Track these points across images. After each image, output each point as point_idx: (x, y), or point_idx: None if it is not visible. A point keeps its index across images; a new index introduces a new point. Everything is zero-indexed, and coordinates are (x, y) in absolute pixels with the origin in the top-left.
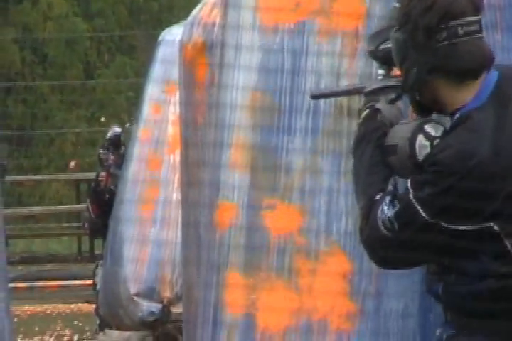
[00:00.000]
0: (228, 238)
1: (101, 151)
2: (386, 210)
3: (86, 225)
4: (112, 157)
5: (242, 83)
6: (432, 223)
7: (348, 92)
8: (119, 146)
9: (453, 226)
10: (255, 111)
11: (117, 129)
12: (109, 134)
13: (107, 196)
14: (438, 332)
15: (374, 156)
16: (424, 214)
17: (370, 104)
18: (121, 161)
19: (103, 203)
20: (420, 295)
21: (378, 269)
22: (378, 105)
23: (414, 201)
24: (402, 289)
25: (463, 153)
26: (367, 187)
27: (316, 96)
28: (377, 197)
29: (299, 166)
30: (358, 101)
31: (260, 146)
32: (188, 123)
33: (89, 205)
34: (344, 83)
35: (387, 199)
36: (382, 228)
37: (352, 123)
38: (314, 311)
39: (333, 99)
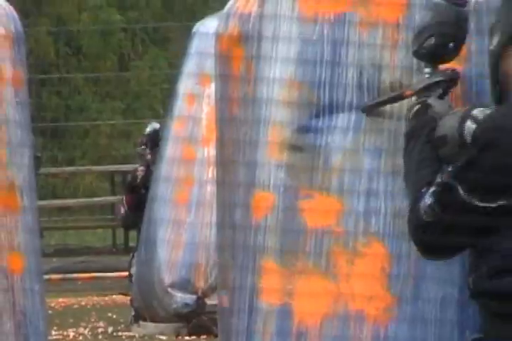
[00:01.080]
0: (264, 227)
1: (139, 147)
2: (427, 198)
3: (120, 218)
4: (149, 153)
5: (279, 76)
6: (468, 202)
7: (394, 99)
8: (157, 142)
9: (487, 204)
10: (293, 106)
11: (156, 125)
12: (147, 130)
13: (143, 191)
14: (467, 333)
15: (423, 152)
16: (461, 191)
17: (421, 99)
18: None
19: (139, 198)
20: (458, 289)
21: (416, 262)
22: (429, 100)
23: (452, 180)
24: (439, 283)
25: (495, 125)
26: (416, 182)
27: (366, 110)
28: (423, 190)
29: (339, 159)
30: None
31: (298, 144)
32: (224, 119)
33: (125, 199)
34: (385, 75)
35: (432, 190)
36: (424, 216)
37: (393, 119)
38: (352, 302)
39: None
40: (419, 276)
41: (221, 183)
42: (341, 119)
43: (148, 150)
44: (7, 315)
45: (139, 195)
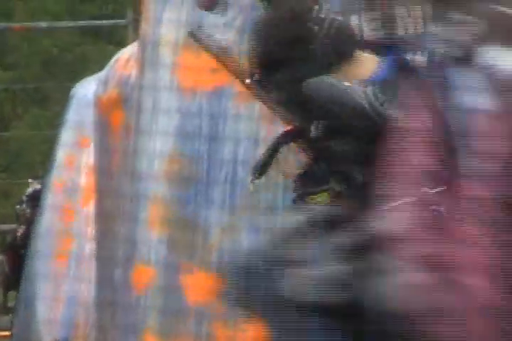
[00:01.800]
0: (144, 301)
1: (18, 207)
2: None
3: (0, 278)
4: (29, 213)
5: (158, 148)
6: None
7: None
8: (37, 203)
9: None
10: (172, 181)
11: (38, 186)
12: (28, 190)
13: (23, 251)
14: None
15: None
16: None
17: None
18: None
19: (19, 257)
20: None
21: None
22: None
23: None
24: None
25: None
26: None
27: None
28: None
29: (216, 234)
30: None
31: (177, 218)
32: (102, 189)
33: (5, 259)
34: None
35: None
36: None
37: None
38: None
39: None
40: None
41: (100, 250)
42: (220, 193)
43: (28, 210)
44: None
45: (19, 254)
